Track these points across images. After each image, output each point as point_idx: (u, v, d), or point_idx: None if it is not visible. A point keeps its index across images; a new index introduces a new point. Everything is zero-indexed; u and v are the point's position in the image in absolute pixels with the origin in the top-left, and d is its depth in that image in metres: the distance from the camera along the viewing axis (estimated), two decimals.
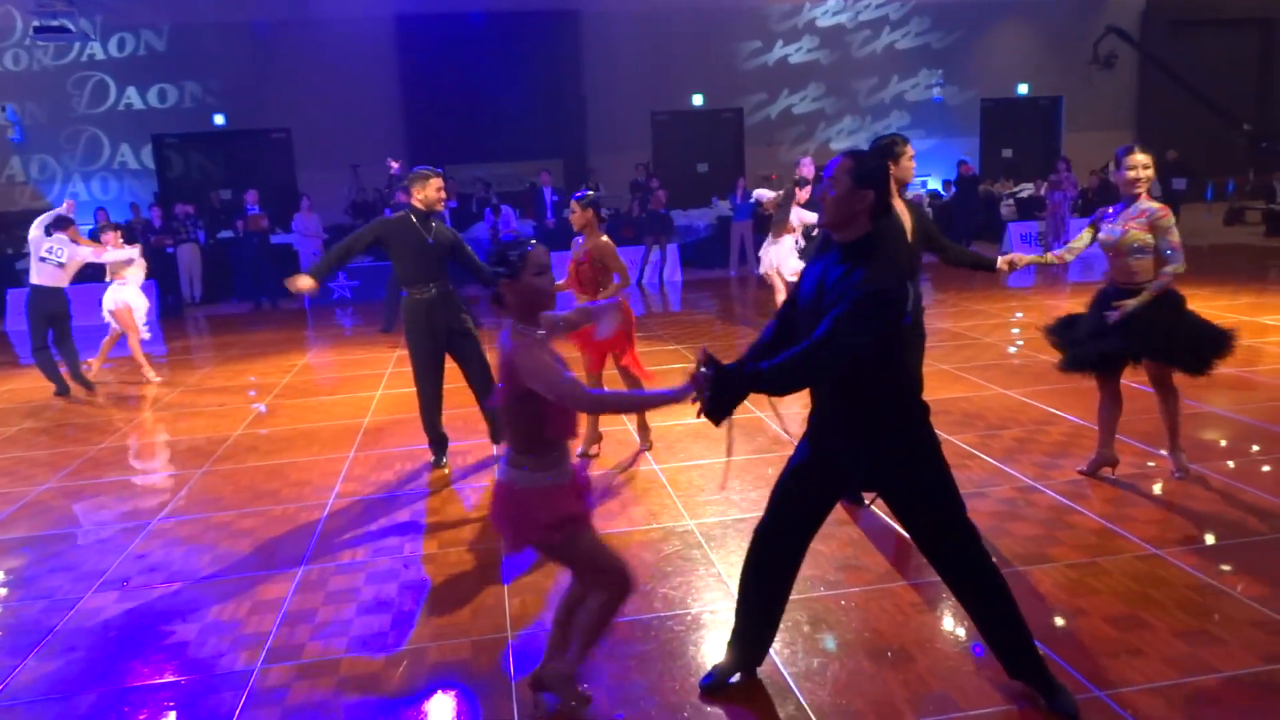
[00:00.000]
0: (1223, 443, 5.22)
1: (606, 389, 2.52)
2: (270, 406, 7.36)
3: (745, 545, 2.94)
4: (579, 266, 5.32)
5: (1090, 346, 4.44)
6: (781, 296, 8.86)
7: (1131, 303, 4.28)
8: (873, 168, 2.59)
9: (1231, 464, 4.84)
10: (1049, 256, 4.59)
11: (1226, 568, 3.65)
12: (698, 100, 18.05)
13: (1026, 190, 17.18)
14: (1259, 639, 3.12)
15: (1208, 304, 9.24)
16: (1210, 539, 3.94)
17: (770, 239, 9.06)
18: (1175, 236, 4.28)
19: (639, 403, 2.71)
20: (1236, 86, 18.86)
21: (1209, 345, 4.32)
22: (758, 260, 9.46)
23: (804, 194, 8.87)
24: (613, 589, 2.70)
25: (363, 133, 16.24)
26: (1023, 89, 18.97)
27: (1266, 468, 4.78)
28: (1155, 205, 4.33)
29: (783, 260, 8.89)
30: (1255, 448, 5.08)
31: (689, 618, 3.49)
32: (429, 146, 16.49)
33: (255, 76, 16.16)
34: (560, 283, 5.46)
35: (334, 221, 15.05)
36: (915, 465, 2.67)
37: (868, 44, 18.39)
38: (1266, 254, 13.48)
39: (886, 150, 4.15)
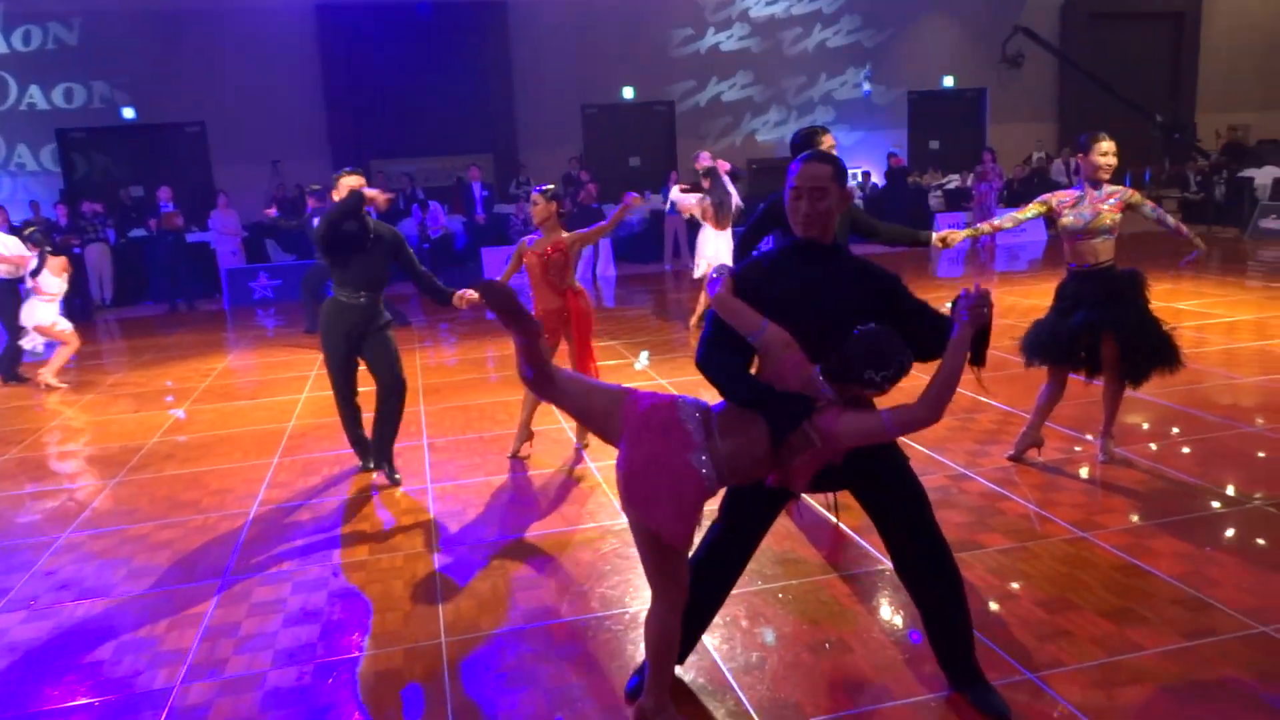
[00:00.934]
0: (1145, 426, 5.42)
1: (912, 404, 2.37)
2: (188, 412, 7.14)
3: None
4: (546, 260, 5.21)
5: (1060, 328, 4.60)
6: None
7: (1197, 251, 4.70)
8: (843, 167, 2.63)
9: (1154, 446, 5.02)
10: (983, 227, 4.74)
11: (1150, 548, 3.78)
12: (629, 93, 18.06)
13: (953, 182, 17.59)
14: (1180, 616, 3.24)
15: None
16: (1134, 520, 4.08)
17: (710, 232, 8.90)
18: (1149, 200, 4.65)
19: (955, 373, 2.35)
20: (1151, 79, 19.61)
21: (1158, 356, 4.52)
22: (692, 255, 9.39)
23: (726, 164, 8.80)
24: (665, 600, 2.58)
25: (283, 126, 15.87)
26: (948, 81, 19.42)
27: (1186, 449, 4.97)
28: (1120, 187, 4.57)
29: (726, 257, 8.45)
30: (1175, 430, 5.29)
31: (627, 617, 3.48)
32: (352, 141, 16.19)
33: (168, 66, 15.63)
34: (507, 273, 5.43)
35: (253, 219, 14.67)
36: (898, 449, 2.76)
37: (799, 41, 18.61)
38: (1182, 242, 14.02)
39: (807, 142, 4.20)
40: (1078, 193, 4.58)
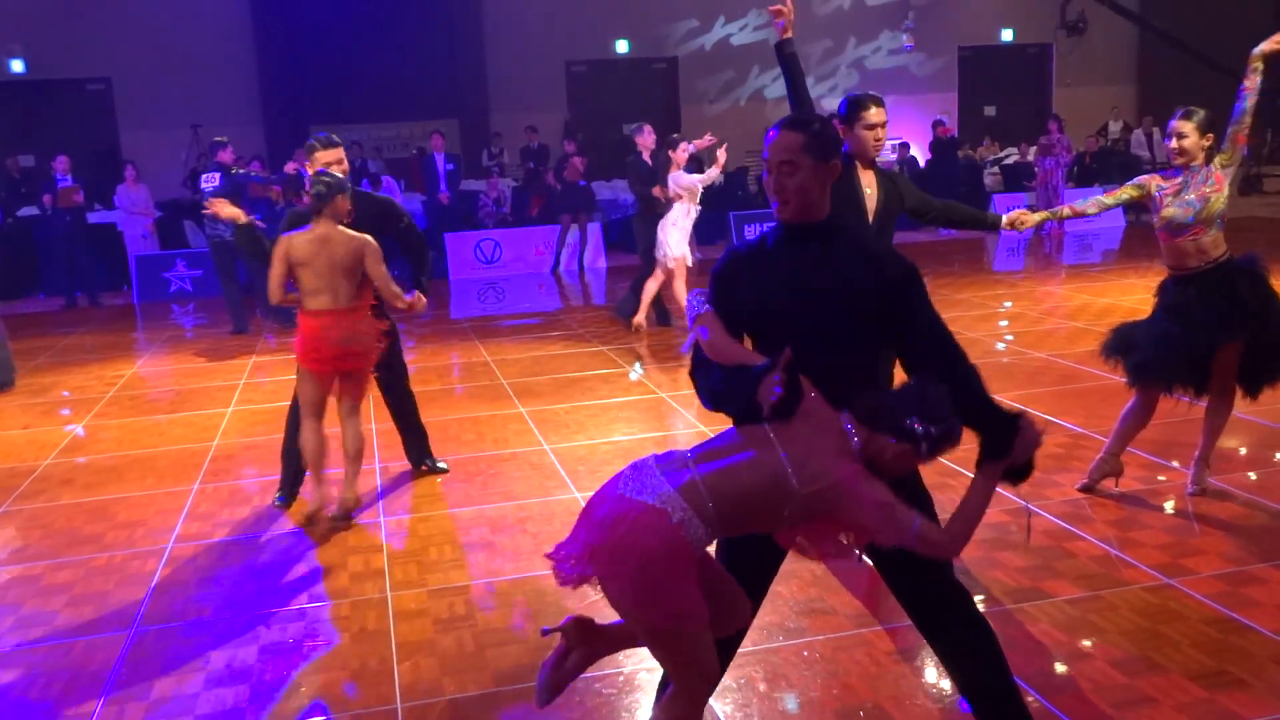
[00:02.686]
0: (1243, 451, 5.44)
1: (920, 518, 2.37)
2: (90, 428, 7.14)
3: None
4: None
5: (1193, 346, 4.50)
6: (681, 284, 9.02)
7: None
8: (830, 133, 2.65)
9: (1253, 475, 5.05)
10: (1063, 210, 4.76)
11: (1248, 596, 3.80)
12: (622, 47, 18.11)
13: (1013, 156, 17.66)
14: None
15: None
16: (1230, 564, 4.10)
17: (680, 214, 9.08)
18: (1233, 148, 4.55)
19: (981, 508, 2.46)
20: (1246, 34, 19.67)
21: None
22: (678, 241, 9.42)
23: (682, 154, 8.98)
24: (687, 693, 2.48)
25: (205, 84, 15.87)
26: (1006, 35, 19.50)
27: None
28: (1211, 164, 4.51)
29: (682, 239, 9.02)
30: (1279, 455, 5.31)
31: (621, 679, 3.48)
32: (289, 102, 16.20)
33: (66, 10, 15.61)
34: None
35: (168, 195, 14.67)
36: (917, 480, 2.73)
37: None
38: None
39: (853, 111, 4.20)
40: (1179, 178, 4.55)
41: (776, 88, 18.78)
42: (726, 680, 3.37)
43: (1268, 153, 18.13)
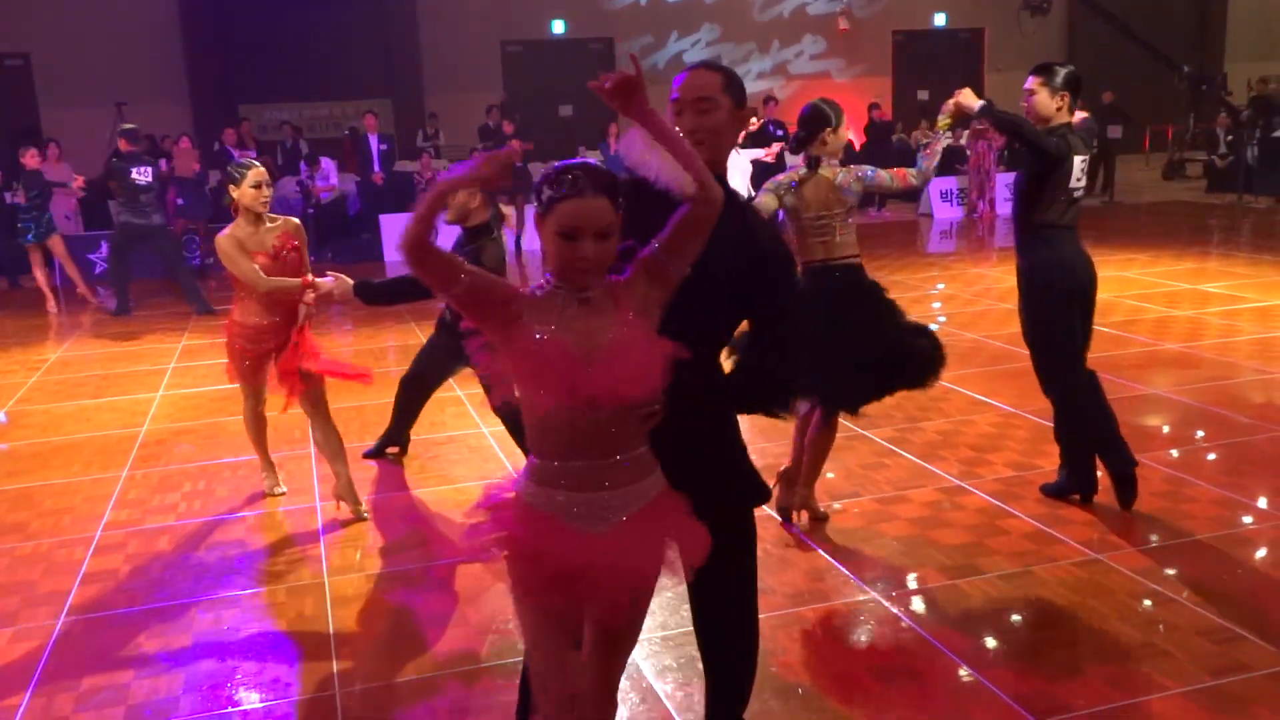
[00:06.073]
0: (1165, 429, 5.60)
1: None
2: (12, 415, 6.97)
3: None
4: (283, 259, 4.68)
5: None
6: None
7: None
8: (736, 76, 2.56)
9: (1175, 453, 5.20)
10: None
11: (1171, 571, 3.92)
12: (558, 27, 18.02)
13: (946, 139, 17.91)
14: (1207, 650, 3.37)
15: (1146, 270, 9.87)
16: (1154, 539, 4.22)
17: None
18: None
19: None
20: (1175, 24, 20.18)
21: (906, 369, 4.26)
22: None
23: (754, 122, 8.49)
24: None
25: (130, 60, 15.51)
26: (940, 20, 19.74)
27: (1213, 455, 5.16)
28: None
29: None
30: (1200, 433, 5.47)
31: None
32: (218, 80, 15.89)
33: None
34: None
35: (92, 174, 14.29)
36: None
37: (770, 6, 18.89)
38: (1208, 212, 14.48)
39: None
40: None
41: (696, 53, 18.86)
42: (667, 660, 3.41)
43: (1191, 139, 18.57)
